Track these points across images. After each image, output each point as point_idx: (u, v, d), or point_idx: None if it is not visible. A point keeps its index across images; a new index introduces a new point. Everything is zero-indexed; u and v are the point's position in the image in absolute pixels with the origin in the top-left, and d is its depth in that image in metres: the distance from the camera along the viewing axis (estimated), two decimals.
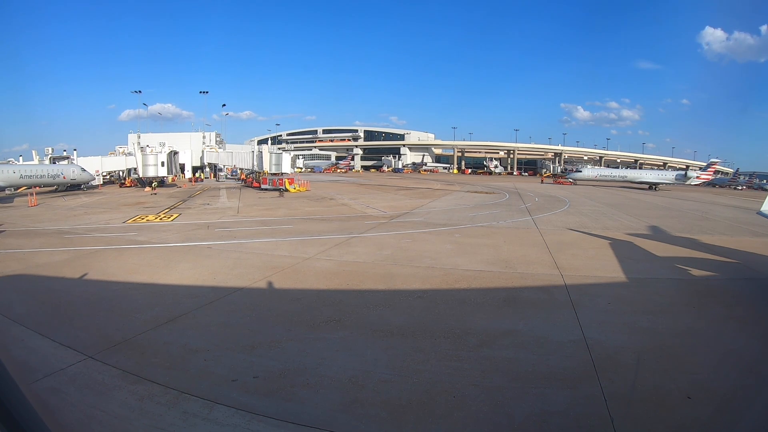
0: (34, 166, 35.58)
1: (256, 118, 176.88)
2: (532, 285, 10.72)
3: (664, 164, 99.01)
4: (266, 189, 38.50)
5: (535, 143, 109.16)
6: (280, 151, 47.11)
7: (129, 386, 5.75)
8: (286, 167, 43.84)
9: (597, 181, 62.15)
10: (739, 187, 66.26)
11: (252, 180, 44.51)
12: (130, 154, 43.13)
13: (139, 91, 79.00)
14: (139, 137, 48.30)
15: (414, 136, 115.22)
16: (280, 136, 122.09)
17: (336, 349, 7.00)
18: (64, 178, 35.01)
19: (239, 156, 51.03)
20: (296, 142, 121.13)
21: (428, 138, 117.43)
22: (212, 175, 58.85)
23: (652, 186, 57.63)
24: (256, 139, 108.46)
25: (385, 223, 20.28)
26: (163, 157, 41.35)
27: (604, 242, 16.55)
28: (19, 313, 8.37)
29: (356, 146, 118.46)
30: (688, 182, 61.26)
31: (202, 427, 4.97)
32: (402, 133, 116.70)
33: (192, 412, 5.21)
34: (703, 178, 63.18)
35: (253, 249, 14.32)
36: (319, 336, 7.47)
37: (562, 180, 65.84)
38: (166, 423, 4.97)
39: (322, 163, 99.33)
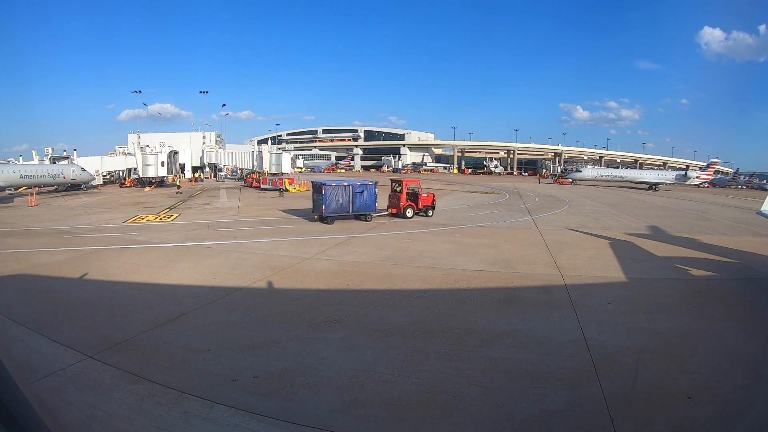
0: (34, 166, 35.56)
1: (256, 118, 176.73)
2: (532, 285, 10.73)
3: (664, 164, 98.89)
4: (266, 189, 38.53)
5: (535, 143, 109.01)
6: (280, 151, 47.11)
7: (129, 386, 5.76)
8: (286, 167, 43.82)
9: (597, 181, 62.14)
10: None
11: (252, 180, 44.57)
12: (130, 154, 43.10)
13: (139, 91, 78.69)
14: (139, 137, 48.22)
15: (414, 136, 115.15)
16: (280, 136, 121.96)
17: (336, 349, 7.00)
18: (64, 178, 34.98)
19: (239, 156, 51.00)
20: (296, 142, 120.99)
21: (428, 138, 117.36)
22: (212, 175, 58.81)
23: (652, 186, 57.65)
24: (256, 139, 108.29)
25: (385, 222, 20.27)
26: (163, 157, 41.36)
27: (604, 242, 16.55)
28: (19, 313, 8.38)
29: (356, 146, 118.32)
30: (688, 182, 61.27)
31: (202, 427, 4.97)
32: (402, 133, 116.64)
33: (192, 412, 5.22)
34: (703, 178, 63.19)
35: (253, 249, 14.32)
36: (319, 336, 7.47)
37: (562, 180, 65.84)
38: (166, 423, 4.97)
39: (322, 163, 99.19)
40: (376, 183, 20.44)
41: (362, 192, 19.73)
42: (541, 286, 10.62)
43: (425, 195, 21.85)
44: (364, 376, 6.11)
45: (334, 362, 6.52)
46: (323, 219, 19.31)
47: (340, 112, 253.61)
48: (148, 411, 5.21)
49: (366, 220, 19.85)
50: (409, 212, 21.07)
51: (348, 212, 19.57)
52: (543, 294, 10.12)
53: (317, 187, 19.50)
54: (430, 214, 21.73)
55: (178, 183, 42.14)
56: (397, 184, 21.78)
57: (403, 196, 21.03)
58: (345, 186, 19.46)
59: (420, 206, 21.54)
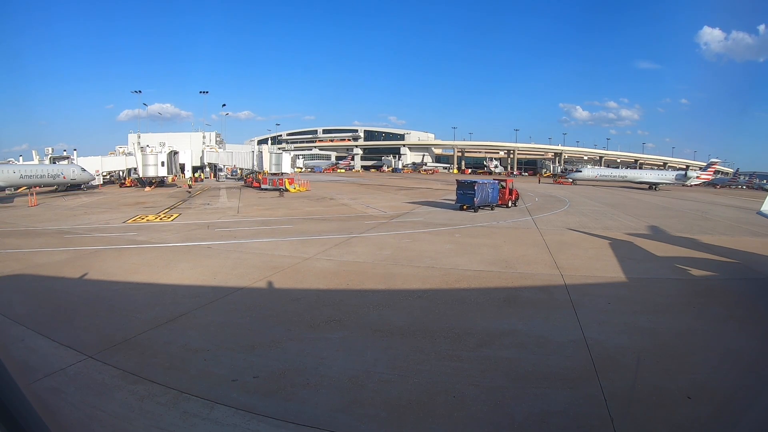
0: (34, 166, 35.53)
1: (255, 118, 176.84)
2: (532, 285, 10.73)
3: (664, 164, 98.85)
4: (266, 189, 38.53)
5: (535, 143, 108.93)
6: (280, 151, 47.11)
7: (129, 386, 5.75)
8: (286, 167, 43.82)
9: (597, 181, 62.13)
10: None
11: (252, 180, 44.59)
12: (130, 154, 43.07)
13: (139, 91, 78.85)
14: (139, 137, 48.23)
15: (414, 136, 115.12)
16: (280, 136, 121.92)
17: (336, 349, 7.00)
18: (64, 178, 34.96)
19: (239, 156, 51.00)
20: (296, 142, 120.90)
21: (428, 138, 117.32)
22: (212, 175, 58.80)
23: (652, 186, 57.66)
24: (256, 139, 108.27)
25: (385, 223, 20.28)
26: (163, 157, 41.32)
27: (604, 242, 16.55)
28: (19, 313, 8.38)
29: (356, 146, 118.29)
30: (688, 182, 61.26)
31: (202, 427, 4.97)
32: (402, 133, 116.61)
33: (192, 412, 5.22)
34: (703, 178, 63.17)
35: (253, 249, 14.32)
36: (320, 336, 7.47)
37: (562, 180, 65.85)
38: (166, 423, 4.97)
39: (322, 163, 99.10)
40: (497, 182, 27.14)
41: (493, 189, 26.07)
42: (541, 286, 10.62)
43: (515, 191, 28.99)
44: (364, 376, 6.11)
45: (334, 362, 6.52)
46: (471, 208, 24.71)
47: (340, 112, 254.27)
48: (148, 411, 5.21)
49: (492, 210, 25.72)
50: (510, 203, 27.76)
51: (487, 203, 25.60)
52: (543, 294, 10.12)
53: (469, 184, 24.91)
54: (517, 205, 28.70)
55: (189, 183, 43.99)
56: (500, 183, 27.71)
57: (506, 191, 27.53)
58: (485, 183, 25.67)
59: (514, 199, 28.56)
